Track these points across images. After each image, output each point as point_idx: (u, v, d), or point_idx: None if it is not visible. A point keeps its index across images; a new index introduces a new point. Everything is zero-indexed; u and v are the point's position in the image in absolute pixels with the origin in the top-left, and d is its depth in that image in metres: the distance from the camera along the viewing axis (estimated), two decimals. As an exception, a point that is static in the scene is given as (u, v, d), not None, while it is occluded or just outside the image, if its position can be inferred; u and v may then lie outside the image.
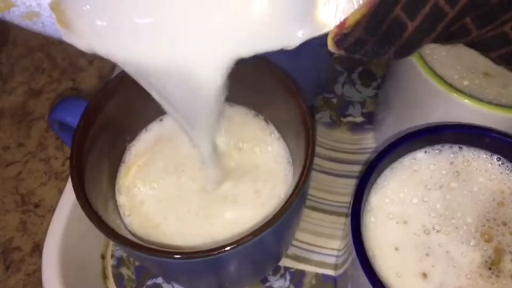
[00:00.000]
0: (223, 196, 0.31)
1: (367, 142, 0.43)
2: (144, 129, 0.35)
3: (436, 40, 0.22)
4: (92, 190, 0.29)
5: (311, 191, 0.40)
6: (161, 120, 0.35)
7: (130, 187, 0.32)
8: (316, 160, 0.42)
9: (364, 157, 0.42)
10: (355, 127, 0.43)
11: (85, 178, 0.28)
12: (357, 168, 0.41)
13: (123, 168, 0.33)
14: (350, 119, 0.44)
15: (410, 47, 0.22)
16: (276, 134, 0.34)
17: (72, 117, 0.30)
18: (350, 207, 0.27)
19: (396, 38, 0.21)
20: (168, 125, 0.35)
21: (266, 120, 0.35)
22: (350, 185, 0.41)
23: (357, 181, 0.28)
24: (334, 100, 0.45)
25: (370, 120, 0.44)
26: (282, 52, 0.35)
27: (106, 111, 0.31)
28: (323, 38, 0.39)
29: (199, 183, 0.32)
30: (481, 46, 0.24)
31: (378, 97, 0.44)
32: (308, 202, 0.40)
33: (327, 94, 0.45)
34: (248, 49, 0.23)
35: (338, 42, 0.22)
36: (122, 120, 0.33)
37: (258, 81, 0.31)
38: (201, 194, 0.31)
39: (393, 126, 0.38)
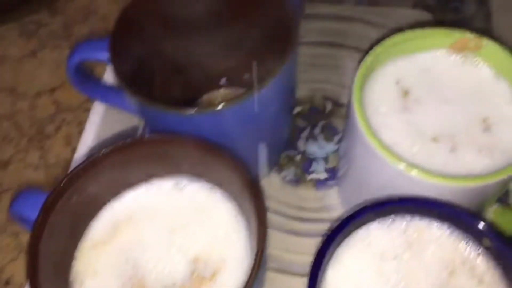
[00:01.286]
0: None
1: (331, 198, 0.44)
2: (103, 210, 0.35)
3: None
4: (50, 278, 0.29)
5: (278, 253, 0.41)
6: (120, 200, 0.35)
7: (85, 273, 0.32)
8: (283, 220, 0.43)
9: (329, 215, 0.43)
10: (319, 184, 0.44)
11: (41, 272, 0.29)
12: (324, 226, 0.42)
13: (80, 251, 0.33)
14: (313, 176, 0.45)
15: None
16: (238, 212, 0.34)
17: (31, 211, 0.30)
18: (306, 286, 0.28)
19: None
20: (128, 205, 0.35)
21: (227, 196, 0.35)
22: (317, 244, 0.41)
23: (313, 257, 0.29)
24: (298, 157, 0.46)
25: (334, 175, 0.44)
26: (243, 113, 0.36)
27: (66, 201, 0.31)
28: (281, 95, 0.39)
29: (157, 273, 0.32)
30: None
31: (339, 152, 0.45)
32: (275, 265, 0.40)
33: (291, 152, 0.46)
34: None
35: None
36: (82, 207, 0.33)
37: (212, 164, 0.32)
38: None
39: (355, 181, 0.39)
